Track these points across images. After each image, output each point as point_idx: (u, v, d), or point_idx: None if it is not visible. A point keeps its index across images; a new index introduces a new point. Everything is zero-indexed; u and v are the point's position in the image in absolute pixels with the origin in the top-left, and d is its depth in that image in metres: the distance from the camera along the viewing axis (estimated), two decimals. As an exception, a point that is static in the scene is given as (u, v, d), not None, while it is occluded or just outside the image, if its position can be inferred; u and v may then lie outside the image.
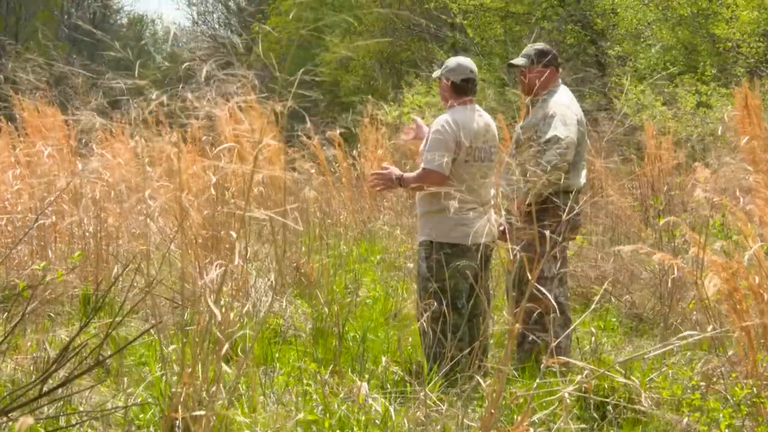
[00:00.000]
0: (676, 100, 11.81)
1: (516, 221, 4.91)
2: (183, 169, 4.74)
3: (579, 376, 3.65)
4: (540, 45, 5.49)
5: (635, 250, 4.66)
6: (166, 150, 4.64)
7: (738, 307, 3.99)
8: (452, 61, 5.07)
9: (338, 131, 10.51)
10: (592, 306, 4.20)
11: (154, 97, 3.54)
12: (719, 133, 8.64)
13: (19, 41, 24.49)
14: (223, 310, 3.55)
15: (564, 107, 5.21)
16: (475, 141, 4.86)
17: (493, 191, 5.00)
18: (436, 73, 5.13)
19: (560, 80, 5.46)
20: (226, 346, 3.37)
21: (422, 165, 4.87)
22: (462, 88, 4.95)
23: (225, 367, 3.77)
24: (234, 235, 3.81)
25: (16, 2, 29.02)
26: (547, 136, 5.06)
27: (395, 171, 5.00)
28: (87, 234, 6.51)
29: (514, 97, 8.13)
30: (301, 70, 3.40)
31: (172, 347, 3.78)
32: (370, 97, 11.50)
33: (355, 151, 10.94)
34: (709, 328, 4.43)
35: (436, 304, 4.66)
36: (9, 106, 7.24)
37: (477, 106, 5.01)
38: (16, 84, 6.91)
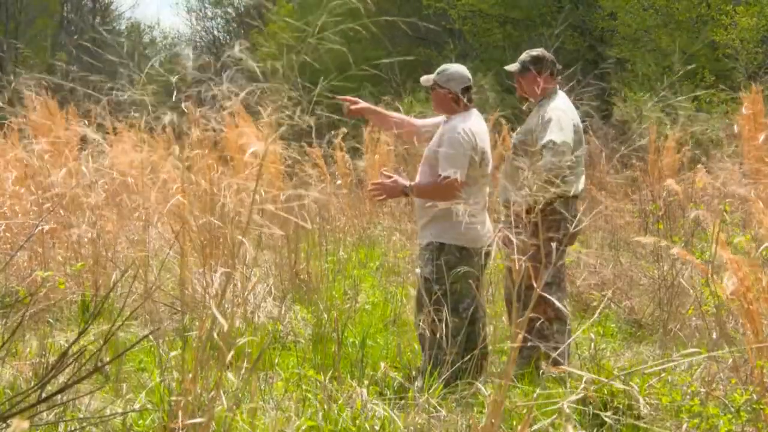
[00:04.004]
0: (674, 106, 11.81)
1: (508, 227, 4.93)
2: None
3: (581, 385, 3.63)
4: (536, 51, 5.50)
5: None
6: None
7: (750, 307, 3.95)
8: (449, 69, 4.98)
9: (341, 136, 10.50)
10: (595, 315, 4.18)
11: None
12: (723, 136, 8.66)
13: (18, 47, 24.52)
14: (227, 317, 3.55)
15: (560, 112, 5.21)
16: (485, 146, 4.89)
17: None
18: (426, 80, 5.01)
19: (558, 86, 5.47)
20: (231, 353, 3.36)
21: (441, 173, 4.72)
22: (467, 97, 4.94)
23: (230, 377, 3.77)
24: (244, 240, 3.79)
25: (16, 8, 29.05)
26: (543, 141, 5.07)
27: (402, 181, 4.87)
28: (85, 240, 6.51)
29: (516, 102, 8.14)
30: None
31: (173, 353, 3.77)
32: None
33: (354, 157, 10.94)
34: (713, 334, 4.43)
35: (437, 307, 4.65)
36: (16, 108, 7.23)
37: (477, 112, 5.02)
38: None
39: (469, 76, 4.99)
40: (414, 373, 4.82)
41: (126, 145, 7.17)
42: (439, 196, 4.72)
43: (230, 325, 3.37)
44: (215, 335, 3.33)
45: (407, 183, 4.85)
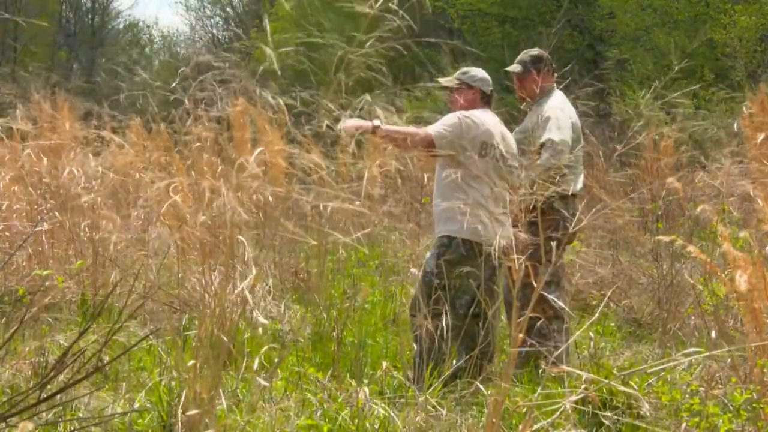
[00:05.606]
0: (672, 103, 11.79)
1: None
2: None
3: (582, 386, 3.63)
4: (534, 51, 5.50)
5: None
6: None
7: (754, 306, 3.94)
8: (478, 72, 5.10)
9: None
10: (596, 315, 4.16)
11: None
12: (723, 135, 8.64)
13: (17, 47, 24.52)
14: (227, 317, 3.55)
15: (558, 110, 5.22)
16: (489, 138, 4.85)
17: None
18: (449, 80, 5.10)
19: (555, 84, 5.47)
20: (256, 360, 3.36)
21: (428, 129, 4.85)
22: (488, 99, 5.04)
23: (261, 381, 3.75)
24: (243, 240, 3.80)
25: (15, 8, 29.05)
26: (542, 140, 5.07)
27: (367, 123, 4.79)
28: (84, 239, 6.50)
29: (514, 102, 8.14)
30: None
31: (190, 363, 3.75)
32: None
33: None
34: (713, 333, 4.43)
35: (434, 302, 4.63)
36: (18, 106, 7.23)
37: (492, 112, 5.05)
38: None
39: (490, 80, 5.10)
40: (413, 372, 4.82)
41: (126, 144, 7.18)
42: (405, 144, 4.83)
43: (233, 325, 3.38)
44: (235, 338, 3.33)
45: (375, 123, 4.77)
